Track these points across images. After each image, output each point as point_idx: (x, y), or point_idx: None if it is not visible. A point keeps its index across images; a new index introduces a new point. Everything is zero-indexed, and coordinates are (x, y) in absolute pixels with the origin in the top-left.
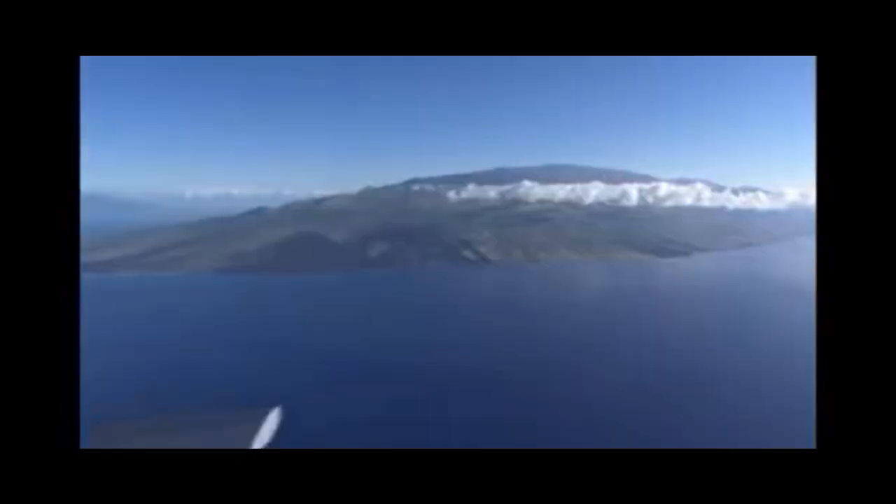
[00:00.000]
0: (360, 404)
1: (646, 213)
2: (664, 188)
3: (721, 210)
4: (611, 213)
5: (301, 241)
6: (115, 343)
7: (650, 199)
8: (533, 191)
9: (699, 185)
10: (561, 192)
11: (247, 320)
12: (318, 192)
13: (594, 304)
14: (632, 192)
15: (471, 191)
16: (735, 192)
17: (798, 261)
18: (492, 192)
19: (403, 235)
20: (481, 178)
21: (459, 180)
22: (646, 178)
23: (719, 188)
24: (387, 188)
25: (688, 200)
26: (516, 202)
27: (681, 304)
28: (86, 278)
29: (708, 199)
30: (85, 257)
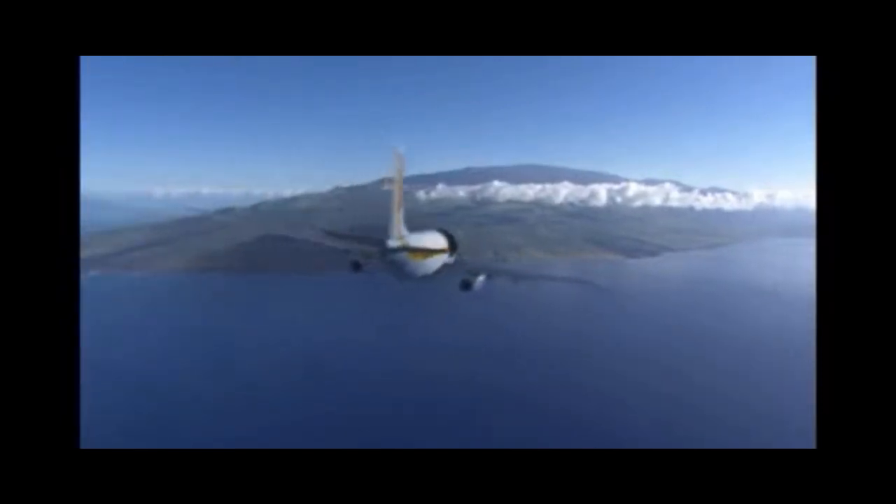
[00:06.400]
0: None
1: (615, 214)
2: (633, 189)
3: (689, 210)
4: (581, 213)
5: (270, 241)
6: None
7: (619, 200)
8: (503, 191)
9: (668, 186)
10: (530, 192)
11: (213, 320)
12: (288, 192)
13: (562, 304)
14: (601, 193)
15: (440, 190)
16: (703, 192)
17: (765, 261)
18: (461, 192)
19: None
20: (451, 178)
21: (429, 180)
22: (615, 179)
23: (687, 189)
24: (357, 187)
25: (656, 201)
26: (486, 202)
27: (650, 304)
28: None
29: (676, 199)
30: None
